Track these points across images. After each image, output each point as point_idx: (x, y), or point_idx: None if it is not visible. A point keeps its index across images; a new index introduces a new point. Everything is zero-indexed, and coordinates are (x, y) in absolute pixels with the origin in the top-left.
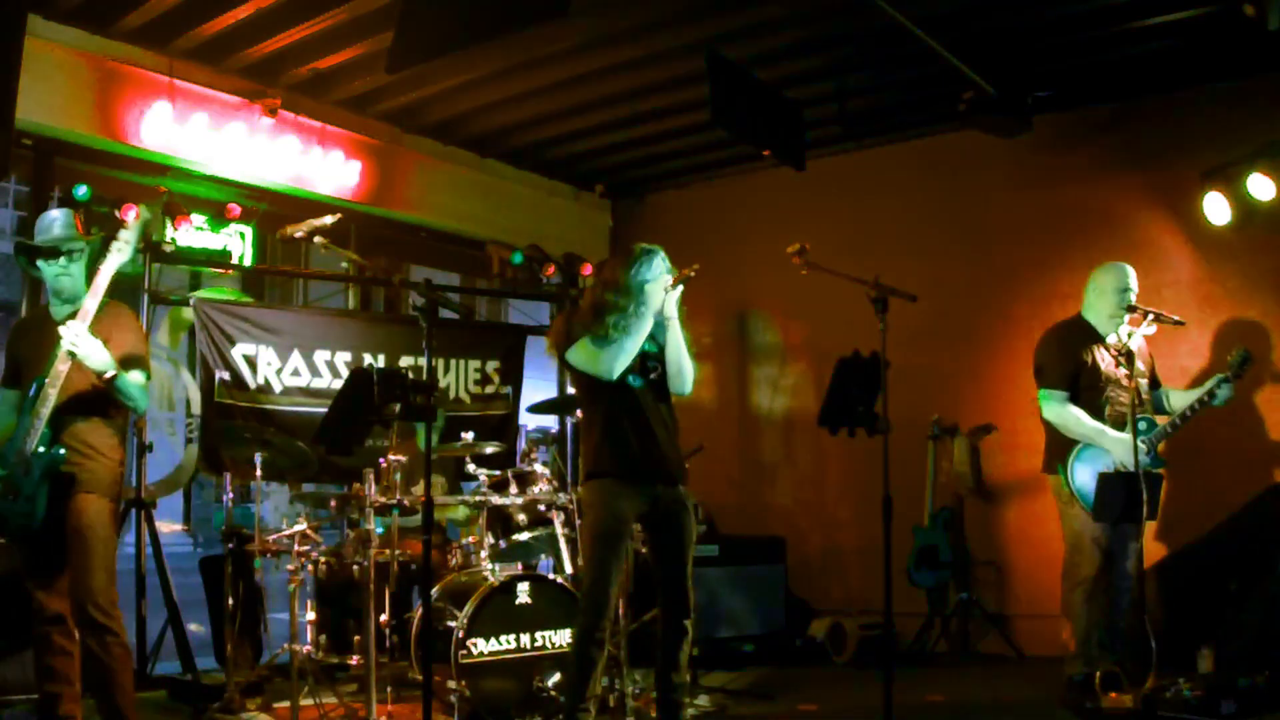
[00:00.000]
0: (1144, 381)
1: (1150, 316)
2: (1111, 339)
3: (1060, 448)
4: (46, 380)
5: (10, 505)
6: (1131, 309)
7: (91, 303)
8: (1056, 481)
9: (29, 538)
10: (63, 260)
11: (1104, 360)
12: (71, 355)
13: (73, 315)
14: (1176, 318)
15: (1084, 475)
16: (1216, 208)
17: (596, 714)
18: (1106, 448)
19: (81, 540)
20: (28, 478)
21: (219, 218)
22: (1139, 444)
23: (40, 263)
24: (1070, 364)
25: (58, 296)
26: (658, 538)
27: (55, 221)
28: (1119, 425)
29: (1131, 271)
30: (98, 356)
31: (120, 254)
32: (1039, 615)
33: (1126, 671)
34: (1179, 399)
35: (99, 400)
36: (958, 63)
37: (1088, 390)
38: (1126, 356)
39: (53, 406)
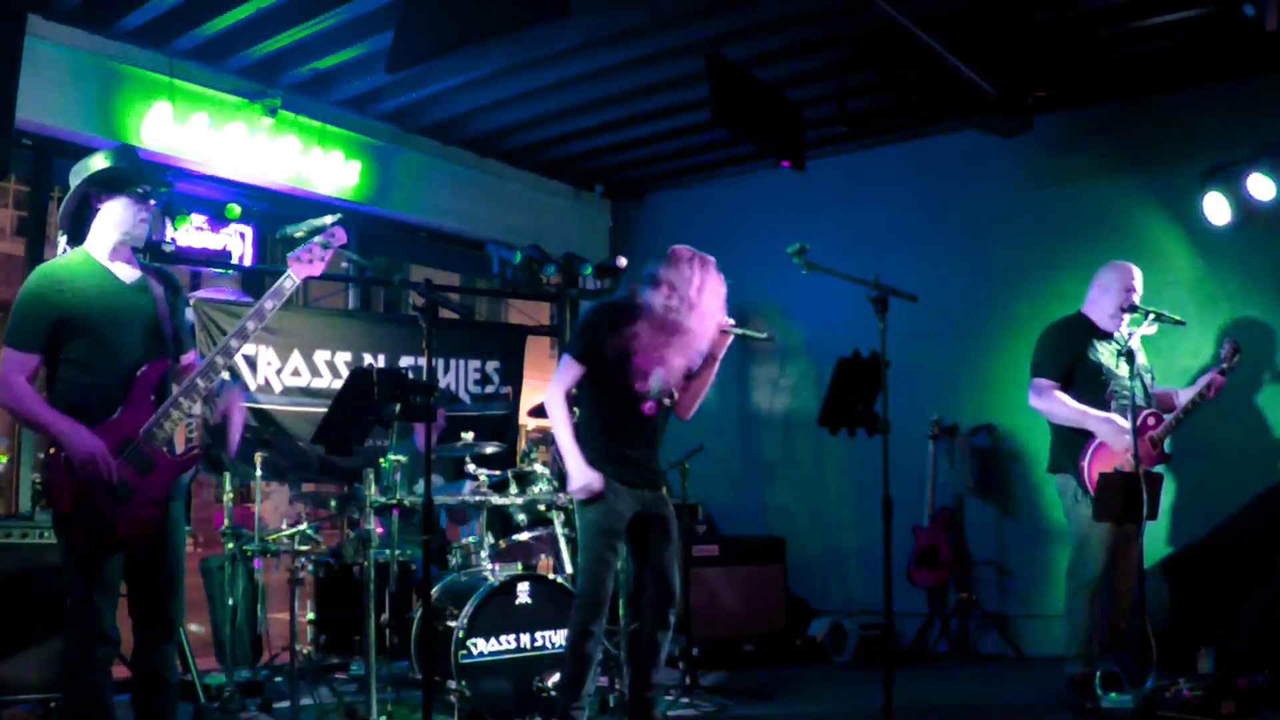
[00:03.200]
0: (1148, 377)
1: (1151, 316)
2: (1113, 336)
3: (1070, 447)
4: (208, 365)
5: (117, 503)
6: (1133, 308)
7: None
8: (1063, 480)
9: (115, 546)
10: (154, 203)
11: (1107, 356)
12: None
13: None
14: (1177, 317)
15: (1098, 475)
16: (1216, 208)
17: (595, 714)
18: (1090, 429)
19: (176, 557)
20: (150, 480)
21: (219, 217)
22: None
23: (131, 197)
24: (1066, 357)
25: (127, 244)
26: (645, 536)
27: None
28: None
29: (1137, 271)
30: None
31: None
32: (1039, 615)
33: (1126, 671)
34: (1180, 394)
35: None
36: (958, 63)
37: (1091, 385)
38: (1128, 355)
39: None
